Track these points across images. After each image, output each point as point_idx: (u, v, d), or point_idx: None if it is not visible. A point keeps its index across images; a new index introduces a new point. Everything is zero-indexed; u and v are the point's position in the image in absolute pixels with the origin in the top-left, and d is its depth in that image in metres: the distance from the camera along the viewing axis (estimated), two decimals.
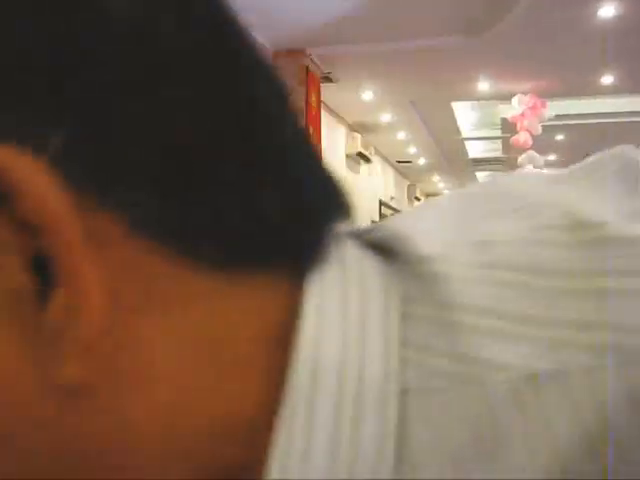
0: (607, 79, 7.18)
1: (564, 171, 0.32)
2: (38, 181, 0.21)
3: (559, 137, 10.06)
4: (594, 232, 0.25)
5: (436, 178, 15.03)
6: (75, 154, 0.22)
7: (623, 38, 5.87)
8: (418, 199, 15.66)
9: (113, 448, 0.24)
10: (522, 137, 7.95)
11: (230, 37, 0.26)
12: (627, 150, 0.31)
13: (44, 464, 0.24)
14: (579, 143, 10.25)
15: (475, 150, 11.85)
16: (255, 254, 0.25)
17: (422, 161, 12.35)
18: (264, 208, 0.25)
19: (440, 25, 5.78)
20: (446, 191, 16.72)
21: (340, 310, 0.25)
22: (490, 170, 13.80)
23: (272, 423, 0.24)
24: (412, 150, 11.31)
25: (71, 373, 0.22)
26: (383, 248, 0.27)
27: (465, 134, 10.38)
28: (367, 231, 0.29)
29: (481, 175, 14.54)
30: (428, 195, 17.43)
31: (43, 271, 0.22)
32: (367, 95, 7.85)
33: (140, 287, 0.23)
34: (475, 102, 8.38)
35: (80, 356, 0.22)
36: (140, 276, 0.23)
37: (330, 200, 0.29)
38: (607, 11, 5.43)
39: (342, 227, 0.28)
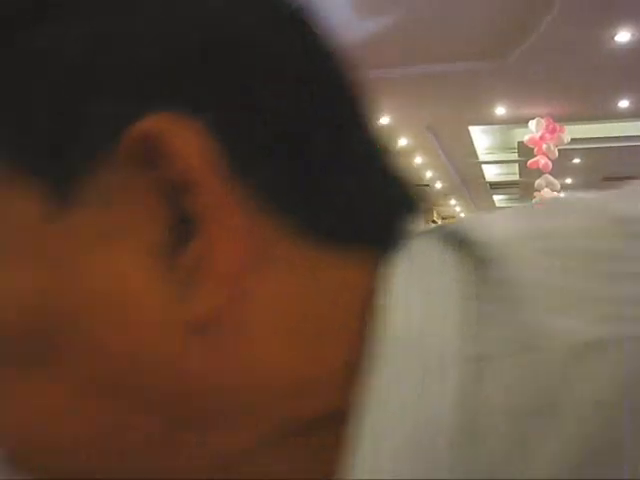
0: (623, 103, 7.20)
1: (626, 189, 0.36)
2: (193, 144, 0.25)
3: (576, 160, 10.06)
4: (636, 226, 0.29)
5: (453, 202, 15.02)
6: (223, 131, 0.26)
7: (639, 63, 5.91)
8: (435, 222, 15.62)
9: (238, 384, 0.27)
10: (541, 160, 7.96)
11: (330, 61, 0.34)
12: None
13: (159, 401, 0.27)
14: (596, 166, 10.24)
15: (491, 174, 11.82)
16: (358, 231, 0.30)
17: (439, 185, 12.38)
18: (369, 193, 0.30)
19: (457, 51, 5.84)
20: (462, 215, 16.69)
21: (423, 286, 0.29)
22: (507, 194, 13.77)
23: (354, 383, 0.27)
24: (428, 174, 11.33)
25: (200, 309, 0.26)
26: (454, 237, 0.31)
27: (481, 158, 10.37)
28: (439, 226, 0.33)
29: (498, 198, 14.50)
30: (444, 218, 17.40)
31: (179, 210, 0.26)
32: (383, 120, 7.89)
33: (259, 250, 0.27)
34: (490, 126, 8.39)
35: (210, 293, 0.26)
36: (261, 241, 0.27)
37: (407, 196, 0.33)
38: (623, 36, 5.47)
39: (416, 220, 0.33)
